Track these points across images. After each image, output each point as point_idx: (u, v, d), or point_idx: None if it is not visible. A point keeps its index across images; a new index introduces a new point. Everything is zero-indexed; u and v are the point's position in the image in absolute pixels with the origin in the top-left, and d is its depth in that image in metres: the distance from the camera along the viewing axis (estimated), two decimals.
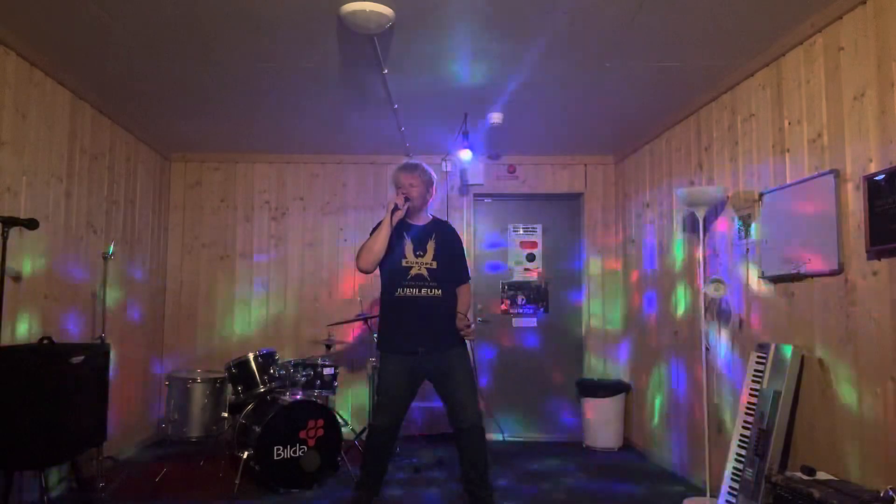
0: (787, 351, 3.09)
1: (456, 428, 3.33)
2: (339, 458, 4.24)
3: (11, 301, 3.25)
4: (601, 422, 5.29)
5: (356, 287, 5.67)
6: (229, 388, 4.45)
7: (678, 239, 4.49)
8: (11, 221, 3.02)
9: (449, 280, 3.44)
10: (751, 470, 3.07)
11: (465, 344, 3.43)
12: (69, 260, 3.97)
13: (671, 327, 4.57)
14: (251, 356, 4.36)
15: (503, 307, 5.81)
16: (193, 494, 3.91)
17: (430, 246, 3.44)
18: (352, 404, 5.57)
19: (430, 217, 3.59)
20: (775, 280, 3.32)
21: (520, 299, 5.81)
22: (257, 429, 3.98)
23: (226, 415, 4.44)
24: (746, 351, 3.53)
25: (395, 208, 3.36)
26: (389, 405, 3.34)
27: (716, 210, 3.91)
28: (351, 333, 5.55)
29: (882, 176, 2.57)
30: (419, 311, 3.34)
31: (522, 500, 3.91)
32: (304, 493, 3.95)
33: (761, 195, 3.44)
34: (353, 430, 5.16)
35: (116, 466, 4.32)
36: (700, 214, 3.81)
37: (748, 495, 3.04)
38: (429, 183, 3.52)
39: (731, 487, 3.19)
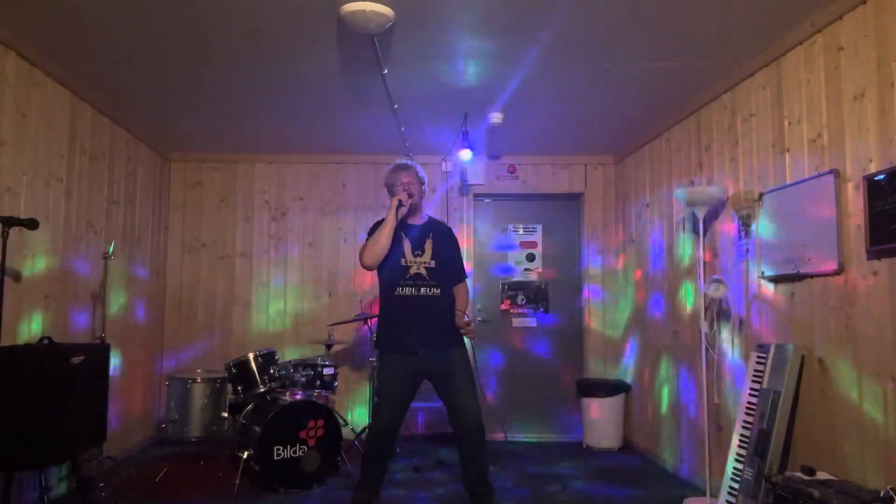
0: (787, 351, 3.09)
1: (456, 427, 3.33)
2: (339, 458, 4.24)
3: (12, 301, 3.24)
4: (601, 422, 5.29)
5: (356, 287, 5.67)
6: (229, 388, 4.45)
7: (678, 239, 4.49)
8: (11, 221, 3.02)
9: (447, 279, 3.45)
10: (751, 470, 3.07)
11: (465, 343, 3.44)
12: (69, 260, 3.97)
13: (671, 327, 4.57)
14: (251, 356, 4.36)
15: (503, 307, 5.81)
16: (193, 494, 3.91)
17: (428, 245, 3.45)
18: (352, 404, 5.57)
19: (427, 217, 3.60)
20: (775, 280, 3.32)
21: (520, 299, 5.81)
22: (257, 429, 3.98)
23: (226, 415, 4.44)
24: (746, 351, 3.53)
25: (400, 204, 3.37)
26: (389, 405, 3.34)
27: (716, 210, 3.91)
28: (351, 333, 5.55)
29: (882, 176, 2.57)
30: (419, 311, 3.35)
31: (522, 500, 3.91)
32: (304, 493, 3.95)
33: (761, 195, 3.44)
34: (353, 430, 5.16)
35: (116, 466, 4.33)
36: (700, 214, 3.80)
37: (748, 495, 3.04)
38: (422, 181, 3.55)
39: (731, 487, 3.19)
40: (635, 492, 4.09)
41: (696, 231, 4.01)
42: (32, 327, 3.55)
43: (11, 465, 3.04)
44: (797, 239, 3.12)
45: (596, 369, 5.66)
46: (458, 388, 3.32)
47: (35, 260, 3.59)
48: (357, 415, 5.52)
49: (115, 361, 4.33)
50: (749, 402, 3.25)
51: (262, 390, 4.30)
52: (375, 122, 4.76)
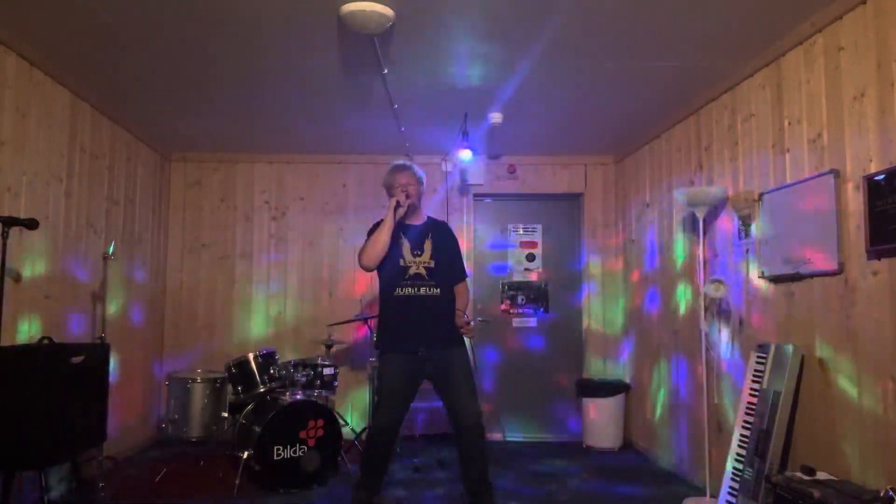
0: (787, 351, 3.09)
1: (456, 427, 3.33)
2: (339, 458, 4.24)
3: (12, 301, 3.24)
4: (601, 422, 5.29)
5: (356, 287, 5.67)
6: (229, 388, 4.45)
7: (678, 239, 4.49)
8: (11, 221, 3.02)
9: (447, 279, 3.45)
10: (751, 470, 3.07)
11: (465, 343, 3.44)
12: (69, 260, 3.97)
13: (671, 327, 4.57)
14: (251, 356, 4.36)
15: (503, 307, 5.81)
16: (193, 494, 3.90)
17: (428, 245, 3.45)
18: (352, 404, 5.57)
19: (426, 217, 3.61)
20: (775, 280, 3.32)
21: (520, 299, 5.81)
22: (257, 429, 3.98)
23: (226, 415, 4.44)
24: (746, 351, 3.53)
25: (398, 205, 3.37)
26: (389, 405, 3.34)
27: (716, 210, 3.91)
28: (351, 333, 5.55)
29: (882, 176, 2.57)
30: (418, 311, 3.35)
31: (523, 500, 3.91)
32: (304, 493, 3.95)
33: (761, 195, 3.44)
34: (353, 430, 5.16)
35: (116, 466, 4.32)
36: (700, 214, 3.80)
37: (748, 495, 3.04)
38: (421, 182, 3.56)
39: (731, 487, 3.19)
40: (635, 492, 4.09)
41: (696, 231, 4.01)
42: (32, 327, 3.55)
43: (11, 465, 3.04)
44: (797, 239, 3.12)
45: (596, 369, 5.66)
46: (457, 388, 3.31)
47: (35, 260, 3.59)
48: (357, 415, 5.52)
49: (115, 361, 4.32)
50: (749, 402, 3.25)
51: (262, 390, 4.30)
52: (375, 122, 4.76)
